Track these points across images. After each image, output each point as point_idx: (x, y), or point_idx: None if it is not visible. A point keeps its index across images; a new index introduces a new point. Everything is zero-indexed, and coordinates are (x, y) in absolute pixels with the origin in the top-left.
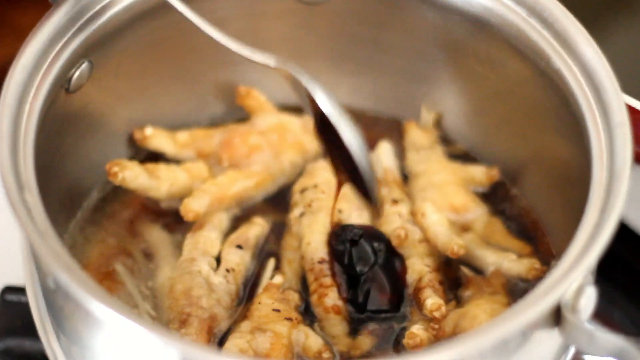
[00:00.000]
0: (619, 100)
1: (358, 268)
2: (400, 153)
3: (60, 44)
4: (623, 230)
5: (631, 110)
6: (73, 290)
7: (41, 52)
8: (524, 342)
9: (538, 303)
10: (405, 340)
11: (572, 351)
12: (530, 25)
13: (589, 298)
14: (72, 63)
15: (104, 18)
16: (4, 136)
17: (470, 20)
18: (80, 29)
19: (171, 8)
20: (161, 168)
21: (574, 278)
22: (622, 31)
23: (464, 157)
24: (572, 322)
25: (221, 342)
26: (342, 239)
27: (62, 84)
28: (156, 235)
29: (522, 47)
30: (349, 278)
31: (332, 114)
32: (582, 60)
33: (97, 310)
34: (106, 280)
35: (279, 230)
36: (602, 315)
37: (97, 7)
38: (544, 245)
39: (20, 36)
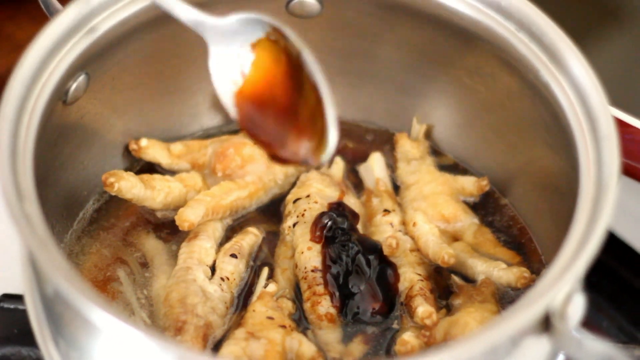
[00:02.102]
0: (607, 113)
1: (351, 284)
2: (392, 164)
3: (58, 57)
4: (610, 240)
5: (619, 122)
6: (72, 298)
7: (39, 65)
8: (513, 349)
9: (526, 310)
10: (396, 347)
11: (560, 358)
12: (518, 39)
13: (577, 305)
14: (70, 75)
15: (101, 31)
16: (4, 148)
17: (459, 34)
18: (78, 42)
19: (166, 22)
20: (156, 178)
21: (561, 286)
22: (609, 44)
23: (455, 168)
24: (560, 330)
25: (216, 349)
26: (336, 249)
27: (60, 97)
28: (151, 245)
29: (511, 61)
30: (341, 287)
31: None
32: (570, 73)
33: (96, 317)
34: (102, 289)
35: (272, 240)
36: (590, 323)
37: (94, 21)
38: (534, 254)
39: (16, 48)
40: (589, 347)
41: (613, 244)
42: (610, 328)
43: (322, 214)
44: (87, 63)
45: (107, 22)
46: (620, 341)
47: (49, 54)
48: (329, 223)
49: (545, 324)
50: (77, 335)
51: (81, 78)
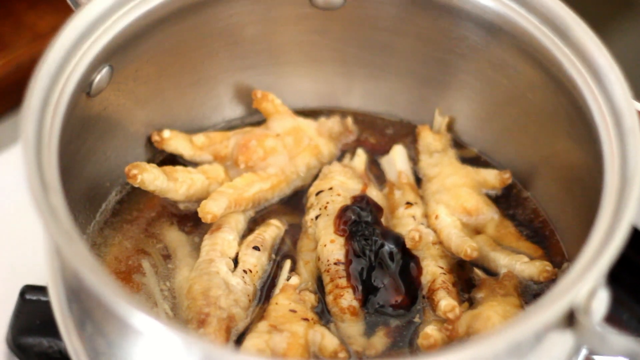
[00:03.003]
0: (631, 107)
1: (374, 277)
2: (414, 156)
3: (82, 50)
4: (632, 233)
5: None
6: (97, 290)
7: (64, 57)
8: (537, 344)
9: (551, 306)
10: (419, 341)
11: (583, 352)
12: (542, 32)
13: (601, 300)
14: (94, 68)
15: (124, 23)
16: (30, 139)
17: (483, 27)
18: (102, 35)
19: (189, 14)
20: (179, 170)
21: (586, 281)
22: (632, 36)
23: (477, 160)
24: (584, 325)
25: (239, 342)
26: (359, 243)
27: (84, 89)
28: (174, 237)
29: (535, 54)
30: (364, 280)
31: None
32: (594, 67)
33: (120, 310)
34: (125, 280)
35: (294, 232)
36: (610, 317)
37: (118, 13)
38: (556, 247)
39: (37, 37)
40: (613, 342)
41: (634, 237)
42: (630, 321)
43: (346, 208)
44: (111, 55)
45: (130, 15)
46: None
47: (74, 47)
48: (353, 217)
49: (570, 319)
50: (102, 326)
51: (105, 70)
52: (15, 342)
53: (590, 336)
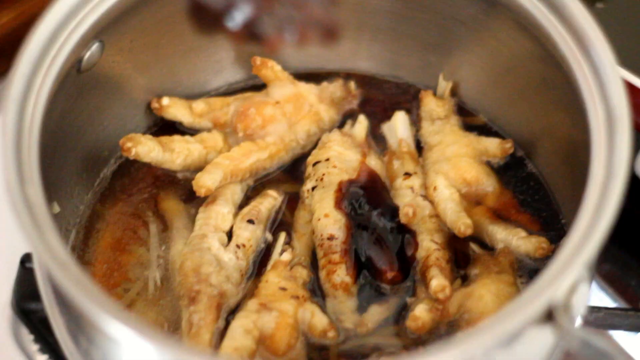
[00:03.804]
0: (620, 92)
1: (368, 253)
2: (418, 122)
3: (70, 27)
4: None
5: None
6: (69, 294)
7: (50, 37)
8: (515, 339)
9: (528, 306)
10: (407, 323)
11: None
12: (537, 8)
13: (582, 295)
14: (83, 45)
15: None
16: (9, 129)
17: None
18: (92, 11)
19: None
20: (175, 140)
21: (565, 278)
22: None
23: (483, 128)
24: (562, 324)
25: (230, 318)
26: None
27: (73, 65)
28: (171, 206)
29: (531, 29)
30: (358, 256)
31: None
32: (587, 48)
33: (94, 317)
34: (122, 250)
35: (293, 201)
36: (618, 283)
37: None
38: (555, 220)
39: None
40: (590, 343)
41: None
42: (637, 287)
43: (347, 186)
44: (101, 31)
45: None
46: None
47: (61, 25)
48: (353, 202)
49: (549, 316)
50: (84, 328)
51: (95, 46)
52: (19, 307)
53: (567, 336)
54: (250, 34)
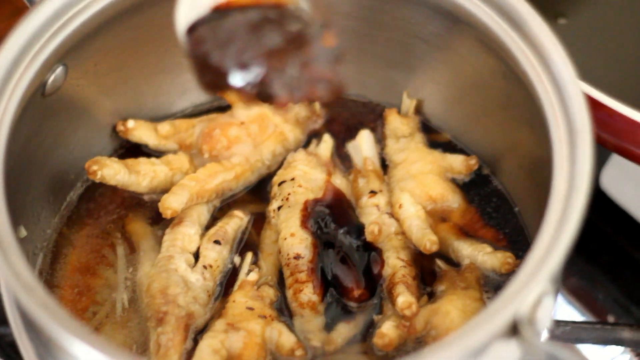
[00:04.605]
0: (582, 110)
1: (335, 271)
2: (383, 140)
3: (34, 51)
4: (609, 208)
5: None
6: (32, 314)
7: (13, 62)
8: (480, 353)
9: (492, 320)
10: (374, 340)
11: None
12: (499, 25)
13: (547, 309)
14: (47, 68)
15: (79, 21)
16: None
17: (441, 16)
18: (55, 34)
19: (147, 7)
20: (141, 162)
21: (531, 290)
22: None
23: (449, 145)
24: (527, 338)
25: (198, 338)
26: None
27: (37, 89)
28: (138, 229)
29: (493, 46)
30: (324, 274)
31: None
32: (548, 64)
33: (58, 337)
34: (89, 272)
35: (260, 221)
36: (586, 296)
37: (73, 11)
38: (521, 235)
39: (17, 11)
40: (555, 356)
41: (610, 212)
42: (605, 301)
43: (313, 205)
44: (65, 55)
45: (86, 12)
46: (614, 315)
47: (24, 49)
48: (318, 214)
49: (514, 329)
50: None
51: (59, 70)
52: None
53: (533, 349)
54: (258, 94)
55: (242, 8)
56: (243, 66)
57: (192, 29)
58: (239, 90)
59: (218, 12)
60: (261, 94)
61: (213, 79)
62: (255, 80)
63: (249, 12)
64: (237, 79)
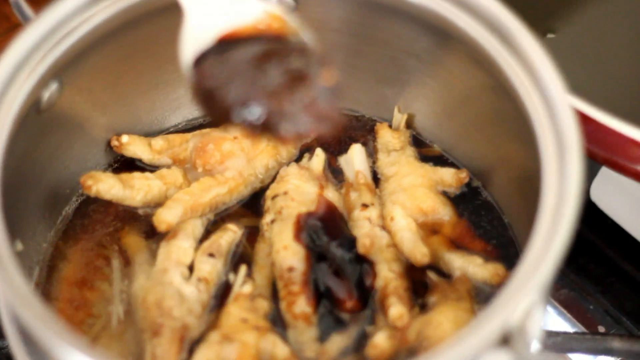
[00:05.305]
0: (571, 126)
1: (327, 283)
2: (374, 154)
3: (29, 67)
4: (599, 220)
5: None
6: (29, 325)
7: (9, 76)
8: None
9: (482, 330)
10: (367, 350)
11: None
12: (488, 40)
13: (537, 320)
14: (42, 85)
15: (74, 38)
16: None
17: (431, 31)
18: (50, 51)
19: (141, 23)
20: (135, 177)
21: (519, 302)
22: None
23: (440, 159)
24: (517, 347)
25: (193, 350)
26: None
27: (33, 106)
28: (133, 242)
29: (483, 61)
30: (317, 286)
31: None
32: (537, 79)
33: (60, 353)
34: (84, 285)
35: (253, 234)
36: (576, 307)
37: (67, 28)
38: (512, 248)
39: (14, 27)
40: None
41: (602, 225)
42: (596, 312)
43: (305, 217)
44: (60, 71)
45: (80, 29)
46: (605, 325)
47: (19, 66)
48: (311, 234)
49: (504, 340)
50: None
51: (54, 86)
52: None
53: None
54: (261, 130)
55: (245, 39)
56: (246, 103)
57: (197, 63)
58: (242, 126)
59: (222, 44)
60: (264, 130)
61: (217, 112)
62: (257, 117)
63: (252, 47)
64: (240, 115)
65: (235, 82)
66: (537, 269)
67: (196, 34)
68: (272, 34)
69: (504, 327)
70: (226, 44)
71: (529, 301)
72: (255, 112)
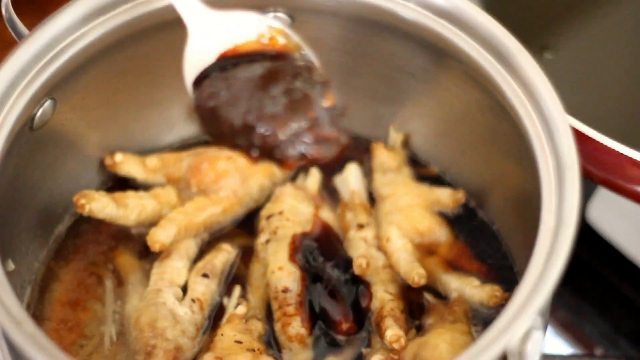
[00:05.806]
0: (570, 144)
1: (322, 304)
2: (370, 174)
3: (22, 85)
4: (595, 241)
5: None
6: (22, 348)
7: (2, 95)
8: None
9: (484, 354)
10: None
11: None
12: (486, 59)
13: (536, 343)
14: (35, 103)
15: (67, 56)
16: None
17: (428, 50)
18: (43, 69)
19: (136, 41)
20: (129, 196)
21: (519, 325)
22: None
23: (437, 179)
24: None
25: None
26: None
27: (26, 123)
28: (126, 262)
29: (480, 79)
30: (312, 307)
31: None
32: (536, 99)
33: None
34: (77, 305)
35: (248, 255)
36: (572, 329)
37: (61, 45)
38: (508, 269)
39: (7, 46)
40: None
41: (599, 246)
42: (593, 334)
43: (301, 238)
44: (53, 89)
45: (74, 46)
46: (602, 347)
47: (12, 84)
48: (307, 255)
49: None
50: None
51: (47, 103)
52: None
53: None
54: (264, 155)
55: (247, 55)
56: (248, 127)
57: (198, 81)
58: (244, 150)
59: (224, 60)
60: (266, 154)
61: (218, 133)
62: (259, 142)
63: (255, 64)
64: (242, 139)
65: (238, 102)
66: (536, 291)
67: (199, 52)
68: (276, 49)
69: (504, 350)
70: (229, 60)
71: (529, 324)
72: (256, 137)
